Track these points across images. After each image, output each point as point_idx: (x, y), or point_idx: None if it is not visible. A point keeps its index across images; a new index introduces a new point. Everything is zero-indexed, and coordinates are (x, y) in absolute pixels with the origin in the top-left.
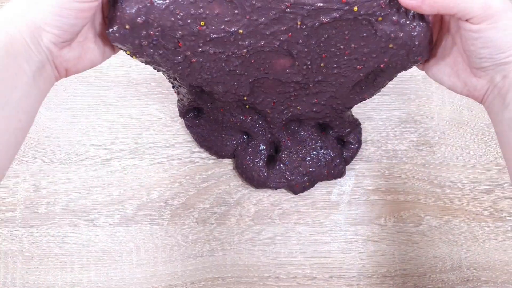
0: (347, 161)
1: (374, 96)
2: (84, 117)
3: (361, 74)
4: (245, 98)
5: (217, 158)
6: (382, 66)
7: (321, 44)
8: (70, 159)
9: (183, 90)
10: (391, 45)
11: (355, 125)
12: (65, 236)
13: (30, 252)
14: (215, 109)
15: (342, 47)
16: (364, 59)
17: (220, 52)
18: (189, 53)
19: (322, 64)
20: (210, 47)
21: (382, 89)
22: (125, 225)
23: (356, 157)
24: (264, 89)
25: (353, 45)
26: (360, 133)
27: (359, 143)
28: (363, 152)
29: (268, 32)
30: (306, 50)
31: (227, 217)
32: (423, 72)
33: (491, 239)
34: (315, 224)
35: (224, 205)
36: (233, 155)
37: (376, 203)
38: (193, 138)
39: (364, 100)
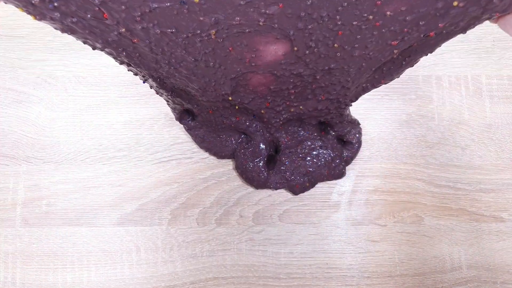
0: (347, 161)
1: (374, 96)
2: (84, 117)
3: (394, 51)
4: (230, 98)
5: (218, 158)
6: (431, 34)
7: (337, 17)
8: (70, 159)
9: (154, 84)
10: (456, 3)
11: (355, 124)
12: (65, 236)
13: (30, 252)
14: (204, 110)
15: (371, 17)
16: (405, 30)
17: (172, 32)
18: (123, 29)
19: (336, 45)
20: (155, 24)
21: (382, 90)
22: (125, 225)
23: (356, 157)
24: (253, 87)
25: (388, 13)
26: (360, 133)
27: (359, 143)
28: (363, 152)
29: (243, 2)
30: (310, 27)
31: (227, 217)
32: (423, 72)
33: (491, 239)
34: (315, 224)
35: (224, 205)
36: (233, 156)
37: (376, 203)
38: (193, 140)
39: (377, 88)
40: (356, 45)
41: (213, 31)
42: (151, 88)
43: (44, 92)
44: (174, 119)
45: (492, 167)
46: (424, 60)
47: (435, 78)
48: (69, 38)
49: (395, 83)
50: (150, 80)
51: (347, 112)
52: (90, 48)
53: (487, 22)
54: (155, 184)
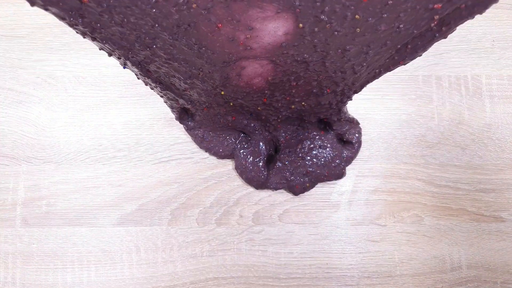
0: (347, 161)
1: (374, 96)
2: (84, 117)
3: (435, 17)
4: (222, 93)
5: (218, 158)
6: None
7: None
8: (70, 159)
9: (136, 70)
10: None
11: (353, 123)
12: (65, 236)
13: (30, 252)
14: (198, 108)
15: None
16: None
17: None
18: None
19: (357, 17)
20: None
21: (382, 89)
22: (125, 225)
23: (356, 157)
24: (248, 78)
25: None
26: (360, 133)
27: (359, 143)
28: (363, 152)
29: None
30: None
31: (227, 217)
32: (423, 72)
33: (491, 239)
34: (315, 224)
35: (224, 205)
36: (233, 155)
37: (376, 203)
38: (192, 140)
39: (392, 71)
40: (385, 15)
41: None
42: (138, 78)
43: (44, 92)
44: (174, 119)
45: (492, 167)
46: (424, 60)
47: (435, 78)
48: (69, 38)
49: (395, 83)
50: (129, 64)
51: (345, 109)
52: (90, 48)
53: (487, 22)
54: (155, 184)
